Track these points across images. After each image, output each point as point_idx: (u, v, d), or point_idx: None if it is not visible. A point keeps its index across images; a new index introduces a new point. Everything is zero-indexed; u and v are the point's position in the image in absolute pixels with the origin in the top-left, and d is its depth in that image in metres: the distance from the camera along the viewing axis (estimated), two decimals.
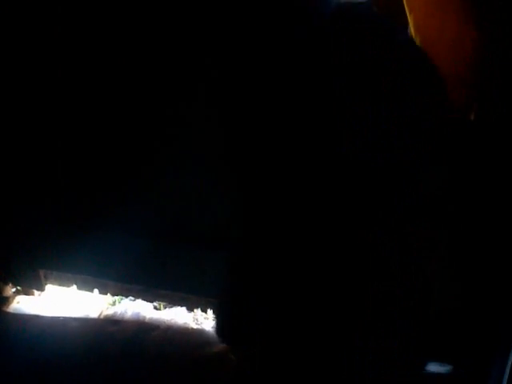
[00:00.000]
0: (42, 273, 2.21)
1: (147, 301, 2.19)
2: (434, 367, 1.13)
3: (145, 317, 2.14)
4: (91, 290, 2.20)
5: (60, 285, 2.23)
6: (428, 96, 1.02)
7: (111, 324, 2.10)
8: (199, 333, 2.07)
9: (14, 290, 2.25)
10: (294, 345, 1.28)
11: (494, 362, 1.09)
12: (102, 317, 2.14)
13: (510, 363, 1.08)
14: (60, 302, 2.21)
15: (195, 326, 2.10)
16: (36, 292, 2.24)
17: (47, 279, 2.23)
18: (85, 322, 2.11)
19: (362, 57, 1.01)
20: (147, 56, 1.88)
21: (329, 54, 1.05)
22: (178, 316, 2.14)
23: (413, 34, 1.22)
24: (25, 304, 2.19)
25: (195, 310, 2.14)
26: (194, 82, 1.87)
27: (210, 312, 2.12)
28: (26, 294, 2.23)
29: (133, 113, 1.98)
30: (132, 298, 2.20)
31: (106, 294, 2.20)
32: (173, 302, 2.17)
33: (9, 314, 2.14)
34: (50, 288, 2.24)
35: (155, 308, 2.19)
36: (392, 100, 1.01)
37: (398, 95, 1.02)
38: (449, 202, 1.07)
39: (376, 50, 1.00)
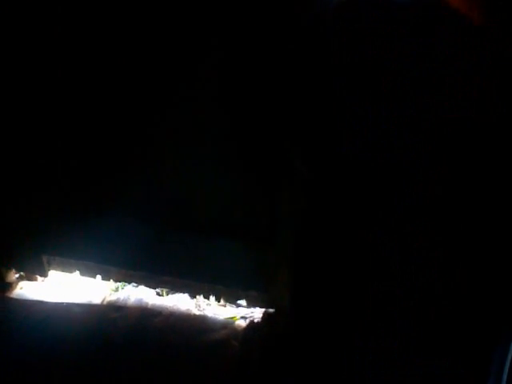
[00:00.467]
0: (45, 259, 2.21)
1: (150, 287, 2.19)
2: (433, 366, 1.13)
3: (147, 303, 2.14)
4: (94, 276, 2.20)
5: (63, 271, 2.23)
6: (428, 95, 1.00)
7: (114, 310, 2.10)
8: (201, 319, 2.07)
9: (17, 275, 2.25)
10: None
11: (493, 360, 1.09)
12: (104, 303, 2.15)
13: (508, 361, 1.08)
14: (63, 287, 2.21)
15: (197, 313, 2.10)
16: (39, 278, 2.24)
17: (50, 265, 2.24)
18: (88, 308, 2.11)
19: (363, 54, 1.00)
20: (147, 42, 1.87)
21: (330, 49, 1.04)
22: (181, 302, 2.15)
23: None
24: (28, 290, 2.20)
25: (197, 297, 2.14)
26: (198, 67, 1.87)
27: (212, 298, 2.12)
28: (29, 279, 2.24)
29: (137, 96, 1.97)
30: (135, 284, 2.21)
31: (109, 280, 2.20)
32: (175, 288, 2.17)
33: (12, 299, 2.15)
34: (53, 274, 2.24)
35: (158, 294, 2.19)
36: (392, 100, 0.99)
37: (398, 95, 1.00)
38: (449, 202, 1.06)
39: (377, 48, 0.98)
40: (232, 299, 2.12)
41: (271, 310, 2.07)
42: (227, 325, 2.05)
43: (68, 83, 1.97)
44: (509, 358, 1.06)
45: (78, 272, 2.21)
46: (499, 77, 0.97)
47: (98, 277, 2.20)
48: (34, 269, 2.23)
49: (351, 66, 1.00)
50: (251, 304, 2.10)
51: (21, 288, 2.20)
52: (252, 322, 2.05)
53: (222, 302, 2.14)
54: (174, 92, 1.93)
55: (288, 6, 1.57)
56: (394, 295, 1.11)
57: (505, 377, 1.05)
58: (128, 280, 2.21)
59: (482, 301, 1.08)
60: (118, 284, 2.22)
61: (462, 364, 1.10)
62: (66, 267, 2.23)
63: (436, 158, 1.03)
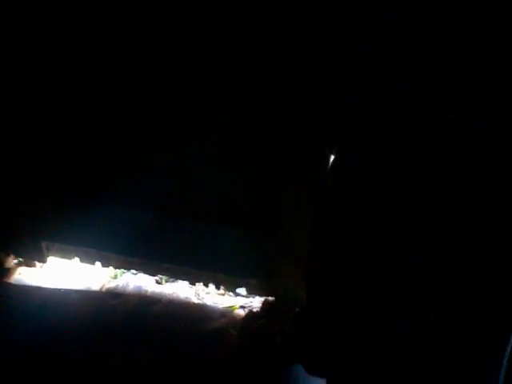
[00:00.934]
0: (44, 244, 2.20)
1: (149, 274, 2.18)
2: (433, 367, 1.12)
3: (146, 290, 2.14)
4: (93, 263, 2.19)
5: (62, 257, 2.22)
6: (428, 95, 0.98)
7: (112, 297, 2.10)
8: (200, 307, 2.07)
9: (15, 261, 2.24)
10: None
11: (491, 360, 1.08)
12: (103, 290, 2.14)
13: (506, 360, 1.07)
14: (62, 274, 2.20)
15: (196, 301, 2.10)
16: (38, 264, 2.24)
17: (49, 251, 2.23)
18: (86, 294, 2.11)
19: (362, 55, 0.98)
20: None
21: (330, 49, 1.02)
22: (180, 290, 2.14)
23: None
24: (26, 275, 2.20)
25: (197, 285, 2.13)
26: (199, 62, 1.85)
27: (211, 286, 2.12)
28: (28, 265, 2.23)
29: (139, 88, 1.95)
30: (134, 272, 2.20)
31: (108, 267, 2.19)
32: (175, 275, 2.17)
33: (10, 285, 2.14)
34: (52, 260, 2.23)
35: (157, 282, 2.18)
36: (392, 99, 0.97)
37: (398, 94, 0.98)
38: (449, 202, 1.04)
39: (377, 48, 0.97)
40: (231, 287, 2.11)
41: (271, 299, 2.06)
42: (226, 313, 2.04)
43: (68, 80, 1.96)
44: (506, 356, 1.05)
45: (77, 258, 2.20)
46: (499, 77, 0.95)
47: (98, 263, 2.19)
48: (32, 254, 2.22)
49: (351, 65, 0.99)
50: (250, 293, 2.10)
51: (19, 274, 2.20)
52: (251, 311, 2.04)
53: (222, 290, 2.13)
54: (176, 84, 1.91)
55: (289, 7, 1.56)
56: (394, 295, 1.09)
57: (501, 378, 1.04)
58: (127, 267, 2.20)
59: (481, 301, 1.07)
60: (117, 271, 2.21)
61: (461, 364, 1.09)
62: (65, 253, 2.22)
63: (436, 158, 1.01)
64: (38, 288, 2.13)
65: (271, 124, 1.89)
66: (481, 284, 1.06)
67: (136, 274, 2.20)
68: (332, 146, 1.19)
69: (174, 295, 2.12)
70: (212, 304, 2.08)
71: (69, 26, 1.84)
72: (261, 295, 2.08)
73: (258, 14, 1.65)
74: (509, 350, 1.06)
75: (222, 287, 2.12)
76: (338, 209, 1.11)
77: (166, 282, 2.18)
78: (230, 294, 2.12)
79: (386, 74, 0.95)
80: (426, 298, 1.08)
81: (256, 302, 2.07)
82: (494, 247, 1.05)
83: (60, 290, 2.12)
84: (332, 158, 1.20)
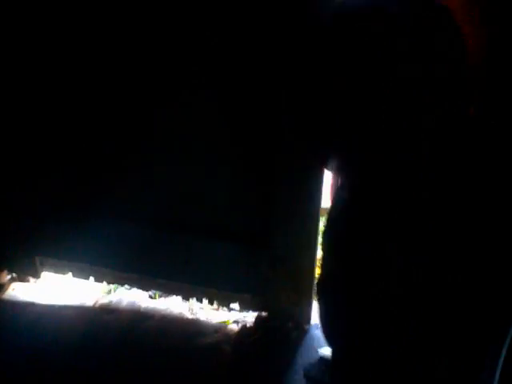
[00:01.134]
0: (37, 260, 2.20)
1: (143, 289, 2.18)
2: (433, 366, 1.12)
3: (140, 306, 2.13)
4: (87, 278, 2.19)
5: (56, 272, 2.22)
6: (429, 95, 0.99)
7: (106, 313, 2.09)
8: (193, 323, 2.06)
9: (9, 276, 2.24)
10: None
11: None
12: (97, 305, 2.13)
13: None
14: (56, 289, 2.19)
15: (190, 316, 2.09)
16: (32, 279, 2.23)
17: (43, 266, 2.23)
18: (80, 310, 2.10)
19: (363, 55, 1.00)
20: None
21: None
22: (173, 305, 2.13)
23: None
24: (20, 291, 2.19)
25: (190, 300, 2.12)
26: (193, 64, 1.86)
27: (204, 301, 2.11)
28: (22, 280, 2.22)
29: (129, 98, 1.96)
30: (127, 287, 2.19)
31: (102, 282, 2.19)
32: (168, 291, 2.16)
33: (4, 300, 2.13)
34: (46, 275, 2.23)
35: (150, 297, 2.17)
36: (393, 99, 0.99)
37: (399, 95, 0.99)
38: (449, 201, 1.05)
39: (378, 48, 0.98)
40: (225, 303, 2.10)
41: (264, 314, 2.05)
42: (219, 329, 2.03)
43: (59, 82, 1.97)
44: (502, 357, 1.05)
45: (70, 273, 2.20)
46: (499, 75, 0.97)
47: (91, 279, 2.19)
48: (26, 270, 2.22)
49: (351, 68, 1.00)
50: (244, 308, 2.09)
51: (13, 289, 2.19)
52: (244, 326, 2.03)
53: (215, 305, 2.12)
54: (168, 92, 1.92)
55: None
56: (394, 295, 1.10)
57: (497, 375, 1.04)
58: (121, 282, 2.20)
59: (480, 301, 1.08)
60: (111, 286, 2.20)
61: (461, 363, 1.09)
62: (59, 268, 2.22)
63: (437, 159, 1.02)
64: (32, 304, 2.13)
65: (262, 135, 1.90)
66: (481, 285, 1.06)
67: (130, 289, 2.19)
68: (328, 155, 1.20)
69: (168, 311, 2.11)
70: (205, 319, 2.07)
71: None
72: (254, 310, 2.07)
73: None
74: (504, 350, 1.06)
75: (215, 302, 2.11)
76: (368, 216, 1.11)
77: (160, 297, 2.17)
78: (224, 309, 2.10)
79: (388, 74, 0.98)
80: (425, 297, 1.09)
81: (249, 317, 2.06)
82: (494, 247, 1.06)
83: (54, 305, 2.11)
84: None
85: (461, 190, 1.08)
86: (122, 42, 1.87)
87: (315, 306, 2.03)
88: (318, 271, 2.05)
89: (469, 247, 1.08)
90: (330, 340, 1.43)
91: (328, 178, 2.07)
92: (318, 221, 1.97)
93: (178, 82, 1.90)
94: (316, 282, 1.41)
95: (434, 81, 1.03)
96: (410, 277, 1.10)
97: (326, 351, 1.84)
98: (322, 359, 1.85)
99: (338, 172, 1.24)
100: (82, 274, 2.20)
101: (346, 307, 1.23)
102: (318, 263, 2.03)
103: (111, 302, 2.15)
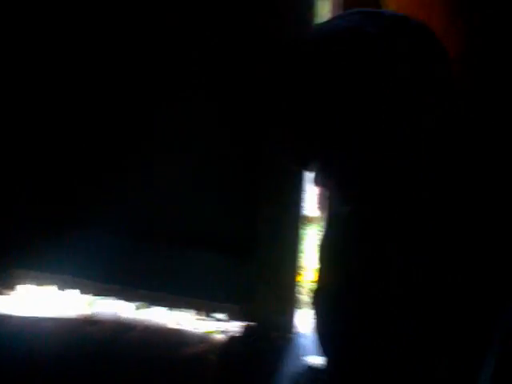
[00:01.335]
0: (17, 272, 2.17)
1: (126, 300, 2.15)
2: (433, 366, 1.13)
3: (123, 317, 2.10)
4: (69, 290, 2.16)
5: (38, 284, 2.18)
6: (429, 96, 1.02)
7: (88, 324, 2.05)
8: (178, 333, 2.03)
9: None
10: None
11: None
12: (79, 317, 2.09)
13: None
14: (36, 301, 2.15)
15: (174, 327, 2.06)
16: (12, 291, 2.19)
17: (24, 278, 2.19)
18: (61, 322, 2.06)
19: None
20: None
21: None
22: (157, 316, 2.10)
23: None
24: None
25: (175, 310, 2.10)
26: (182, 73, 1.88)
27: (189, 312, 2.09)
28: (1, 293, 2.18)
29: (111, 110, 1.97)
30: (110, 298, 2.16)
31: (85, 294, 2.15)
32: (152, 301, 2.14)
33: None
34: (27, 287, 2.19)
35: (134, 308, 2.14)
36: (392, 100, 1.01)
37: (399, 96, 1.01)
38: (449, 201, 1.06)
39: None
40: (210, 312, 2.09)
41: (251, 324, 2.04)
42: (205, 339, 2.01)
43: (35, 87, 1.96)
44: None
45: (52, 285, 2.16)
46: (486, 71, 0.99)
47: (74, 291, 2.15)
48: (6, 283, 2.18)
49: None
50: (230, 318, 2.07)
51: None
52: (230, 336, 2.02)
53: (201, 315, 2.10)
54: (151, 99, 1.93)
55: None
56: (394, 295, 1.10)
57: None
58: (104, 294, 2.16)
59: (478, 300, 1.09)
60: (93, 298, 2.17)
61: (461, 363, 1.10)
62: (41, 280, 2.18)
63: (437, 159, 1.04)
64: (11, 317, 2.08)
65: (246, 148, 1.92)
66: (481, 284, 1.08)
67: (112, 300, 2.16)
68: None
69: (152, 321, 2.08)
70: (190, 329, 2.05)
71: None
72: (241, 320, 2.06)
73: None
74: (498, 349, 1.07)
75: (200, 312, 2.09)
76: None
77: (144, 308, 2.15)
78: (210, 319, 2.08)
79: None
80: (425, 297, 1.09)
81: (235, 327, 2.05)
82: (493, 248, 1.07)
83: (35, 317, 2.07)
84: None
85: (460, 189, 1.09)
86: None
87: (300, 315, 2.03)
88: (301, 280, 2.06)
89: (469, 247, 1.09)
90: (328, 349, 1.41)
91: (313, 187, 2.08)
92: (301, 230, 1.99)
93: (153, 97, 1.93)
94: (313, 292, 1.40)
95: (434, 81, 1.05)
96: (409, 277, 1.11)
97: (313, 360, 1.84)
98: (311, 368, 1.84)
99: (333, 178, 1.23)
100: (65, 285, 2.17)
101: (347, 316, 1.23)
102: (301, 272, 2.04)
103: (94, 313, 2.11)
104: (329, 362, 1.40)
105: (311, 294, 1.40)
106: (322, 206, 1.98)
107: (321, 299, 1.38)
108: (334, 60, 1.06)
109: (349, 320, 1.22)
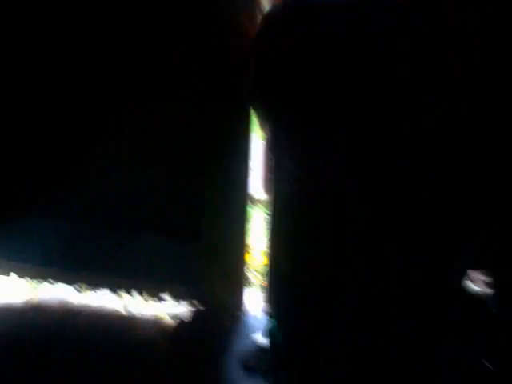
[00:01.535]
0: None
1: (68, 284, 2.12)
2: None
3: (68, 301, 2.06)
4: (7, 274, 2.10)
5: None
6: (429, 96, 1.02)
7: (33, 310, 2.01)
8: (126, 317, 2.02)
9: None
10: None
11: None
12: (23, 303, 2.04)
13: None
14: None
15: (122, 310, 2.05)
16: None
17: None
18: (5, 308, 2.01)
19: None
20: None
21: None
22: (104, 300, 2.08)
23: None
24: None
25: (122, 294, 2.08)
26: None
27: (137, 295, 2.08)
28: None
29: (67, 98, 1.91)
30: (54, 283, 2.12)
31: (24, 278, 2.10)
32: (96, 284, 2.11)
33: None
34: None
35: (79, 292, 2.11)
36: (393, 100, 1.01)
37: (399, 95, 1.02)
38: (449, 202, 1.08)
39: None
40: (157, 295, 2.08)
41: (199, 306, 2.05)
42: (153, 321, 2.01)
43: None
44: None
45: None
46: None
47: (13, 275, 2.10)
48: None
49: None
50: (178, 300, 2.08)
51: None
52: (179, 318, 2.02)
53: (148, 298, 2.09)
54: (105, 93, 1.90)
55: None
56: (395, 296, 1.13)
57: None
58: (43, 277, 2.12)
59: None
60: (37, 283, 2.12)
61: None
62: None
63: (437, 159, 1.05)
64: None
65: (190, 140, 1.91)
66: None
67: (56, 285, 2.11)
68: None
69: (98, 305, 2.06)
70: (138, 313, 2.04)
71: None
72: (188, 301, 2.07)
73: None
74: None
75: (147, 295, 2.08)
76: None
77: (89, 291, 2.12)
78: (158, 301, 2.08)
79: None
80: (426, 297, 1.12)
81: (184, 309, 2.06)
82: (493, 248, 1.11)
83: None
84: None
85: (460, 189, 1.11)
86: None
87: (248, 295, 2.06)
88: (249, 261, 2.08)
89: (468, 247, 1.12)
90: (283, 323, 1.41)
91: (258, 170, 2.09)
92: (246, 211, 2.00)
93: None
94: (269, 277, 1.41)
95: (434, 81, 1.06)
96: (410, 277, 1.14)
97: (261, 339, 1.87)
98: (259, 347, 1.88)
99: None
100: (4, 270, 2.10)
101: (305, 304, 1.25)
102: (249, 252, 2.06)
103: (38, 298, 2.07)
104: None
105: (266, 279, 1.42)
106: (267, 188, 1.99)
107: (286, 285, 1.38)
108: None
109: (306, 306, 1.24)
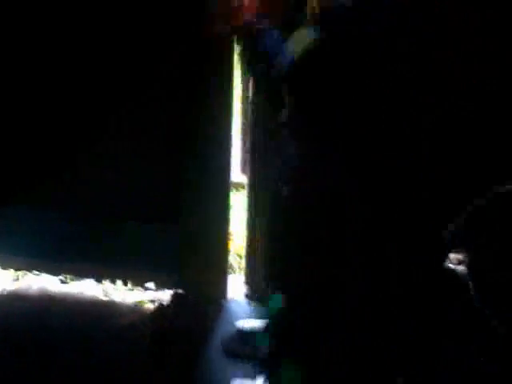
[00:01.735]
0: None
1: (52, 274, 2.12)
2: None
3: (51, 291, 2.07)
4: None
5: None
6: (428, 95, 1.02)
7: (16, 299, 2.02)
8: (108, 304, 2.04)
9: None
10: None
11: None
12: (5, 293, 2.05)
13: None
14: None
15: (104, 298, 2.06)
16: None
17: None
18: None
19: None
20: None
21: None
22: (86, 288, 2.09)
23: None
24: None
25: (104, 282, 2.09)
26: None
27: (119, 282, 2.08)
28: None
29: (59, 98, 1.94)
30: (37, 273, 2.12)
31: (8, 269, 2.11)
32: (79, 273, 2.12)
33: None
34: None
35: (62, 282, 2.11)
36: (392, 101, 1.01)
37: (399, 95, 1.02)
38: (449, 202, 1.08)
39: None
40: (139, 282, 2.09)
41: (180, 292, 2.06)
42: (135, 309, 2.02)
43: None
44: None
45: None
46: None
47: None
48: None
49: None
50: (160, 286, 2.08)
51: None
52: (161, 304, 2.03)
53: (130, 286, 2.09)
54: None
55: None
56: (394, 295, 1.13)
57: None
58: (28, 268, 2.13)
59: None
60: (20, 273, 2.13)
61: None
62: None
63: (437, 159, 1.05)
64: None
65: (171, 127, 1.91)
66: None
67: (39, 274, 2.12)
68: None
69: (81, 294, 2.07)
70: (120, 300, 2.05)
71: None
72: (170, 288, 2.07)
73: None
74: None
75: (129, 282, 2.09)
76: None
77: (72, 280, 2.12)
78: (140, 288, 2.08)
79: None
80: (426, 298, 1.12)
81: (166, 296, 2.06)
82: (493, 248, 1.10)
83: None
84: None
85: (460, 189, 1.11)
86: None
87: (230, 281, 2.06)
88: (231, 246, 2.09)
89: (469, 247, 1.12)
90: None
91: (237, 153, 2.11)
92: (228, 197, 2.00)
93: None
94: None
95: (434, 81, 1.06)
96: (410, 277, 1.13)
97: (244, 324, 1.87)
98: (240, 332, 1.87)
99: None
100: None
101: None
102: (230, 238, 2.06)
103: (21, 288, 2.08)
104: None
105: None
106: (247, 172, 1.99)
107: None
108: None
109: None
